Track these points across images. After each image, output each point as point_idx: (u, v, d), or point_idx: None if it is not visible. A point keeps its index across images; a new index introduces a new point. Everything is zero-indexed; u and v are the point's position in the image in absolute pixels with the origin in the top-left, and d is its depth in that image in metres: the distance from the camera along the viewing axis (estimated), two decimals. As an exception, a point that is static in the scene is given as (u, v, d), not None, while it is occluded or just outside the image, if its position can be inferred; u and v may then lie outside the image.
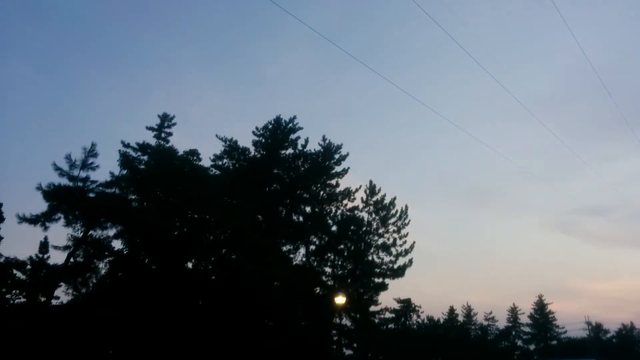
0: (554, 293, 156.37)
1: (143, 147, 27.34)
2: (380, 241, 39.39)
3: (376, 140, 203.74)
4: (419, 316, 61.53)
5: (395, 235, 39.55)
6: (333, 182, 39.58)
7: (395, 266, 38.56)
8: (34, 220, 23.39)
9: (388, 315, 43.72)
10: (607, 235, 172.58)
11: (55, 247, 24.66)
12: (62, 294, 24.41)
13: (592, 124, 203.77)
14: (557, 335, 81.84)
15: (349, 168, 39.88)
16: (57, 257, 53.34)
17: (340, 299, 29.66)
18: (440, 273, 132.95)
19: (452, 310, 75.10)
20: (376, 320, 41.47)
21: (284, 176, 38.46)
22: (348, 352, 42.30)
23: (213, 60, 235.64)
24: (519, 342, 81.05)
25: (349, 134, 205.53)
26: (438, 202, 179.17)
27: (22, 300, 23.70)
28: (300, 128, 39.20)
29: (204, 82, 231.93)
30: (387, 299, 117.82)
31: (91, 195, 24.95)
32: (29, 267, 24.28)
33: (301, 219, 38.46)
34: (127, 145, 27.20)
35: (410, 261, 38.57)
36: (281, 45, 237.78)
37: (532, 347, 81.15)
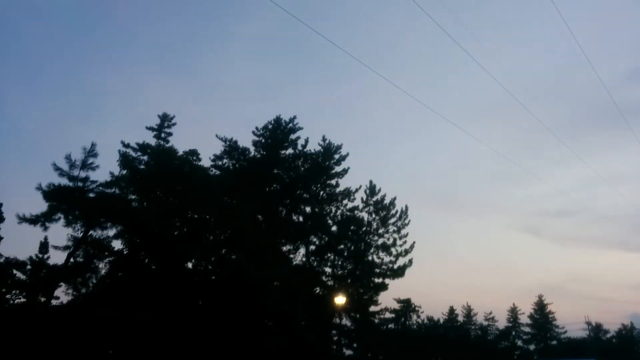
0: (533, 293, 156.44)
1: (143, 147, 27.34)
2: (380, 241, 39.45)
3: (376, 140, 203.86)
4: (419, 316, 61.52)
5: (395, 235, 39.59)
6: (333, 182, 39.61)
7: (395, 266, 38.57)
8: (34, 220, 23.39)
9: (388, 315, 43.74)
10: (575, 236, 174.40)
11: (55, 247, 24.70)
12: (62, 294, 24.45)
13: (547, 129, 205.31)
14: (557, 335, 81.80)
15: (349, 168, 39.94)
16: (57, 257, 53.42)
17: (340, 299, 29.64)
18: (429, 272, 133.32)
19: (452, 310, 75.09)
20: (376, 320, 41.48)
21: (284, 176, 38.44)
22: (348, 352, 42.32)
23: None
24: (519, 342, 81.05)
25: (349, 134, 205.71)
26: (421, 202, 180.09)
27: (22, 300, 23.71)
28: (300, 128, 39.26)
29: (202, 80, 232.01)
30: (387, 299, 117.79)
31: (91, 195, 24.96)
32: (29, 267, 24.30)
33: (301, 219, 38.45)
34: (127, 145, 27.23)
35: (410, 261, 38.61)
36: (283, 44, 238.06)
37: (532, 347, 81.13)
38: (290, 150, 39.25)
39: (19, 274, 24.10)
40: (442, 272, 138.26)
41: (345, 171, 39.68)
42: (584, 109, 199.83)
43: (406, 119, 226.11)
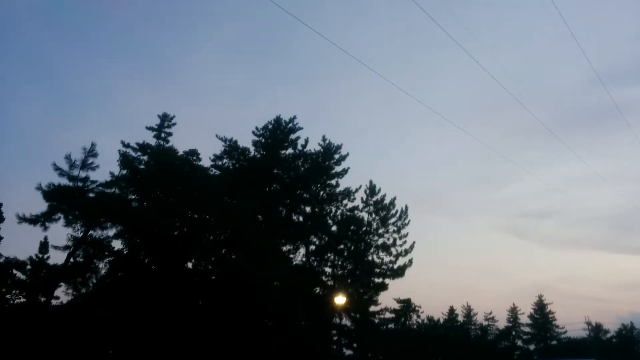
0: (524, 294, 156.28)
1: (143, 147, 27.34)
2: (380, 241, 39.44)
3: (376, 141, 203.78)
4: (419, 316, 61.31)
5: (395, 235, 39.58)
6: (333, 182, 39.62)
7: (395, 266, 38.57)
8: (34, 220, 23.39)
9: (388, 315, 43.66)
10: (559, 237, 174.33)
11: (55, 247, 24.72)
12: (62, 294, 24.47)
13: (527, 131, 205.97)
14: (557, 335, 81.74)
15: (349, 168, 39.95)
16: (57, 257, 53.29)
17: (340, 299, 29.64)
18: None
19: (452, 310, 75.02)
20: (376, 320, 41.43)
21: (284, 176, 38.43)
22: (348, 352, 42.29)
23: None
24: (519, 342, 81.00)
25: (349, 134, 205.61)
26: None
27: (22, 300, 23.69)
28: (300, 128, 39.29)
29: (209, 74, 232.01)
30: (387, 299, 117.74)
31: (91, 195, 24.96)
32: (29, 267, 24.30)
33: (301, 219, 38.45)
34: (127, 145, 27.22)
35: (410, 261, 38.60)
36: (283, 43, 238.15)
37: (532, 347, 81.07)
38: (290, 150, 39.29)
39: (19, 274, 24.13)
40: (433, 272, 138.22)
41: (345, 171, 39.73)
42: (566, 108, 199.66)
43: (398, 118, 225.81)
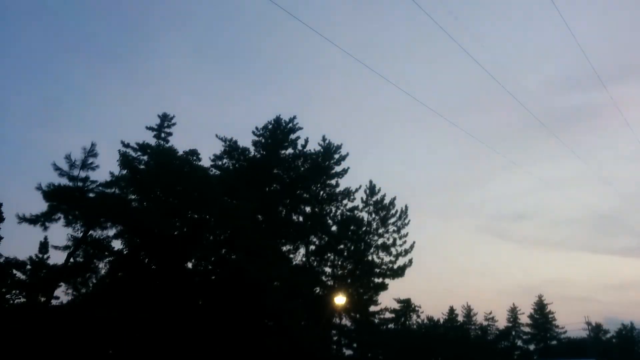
0: (514, 295, 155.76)
1: (143, 147, 27.33)
2: (380, 241, 39.45)
3: (377, 139, 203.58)
4: (419, 316, 61.27)
5: (395, 235, 39.60)
6: (333, 182, 39.63)
7: (395, 266, 38.57)
8: (34, 220, 23.39)
9: (388, 315, 43.56)
10: (541, 239, 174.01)
11: (55, 247, 24.71)
12: (62, 294, 24.46)
13: (507, 132, 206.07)
14: (557, 335, 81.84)
15: (349, 168, 39.95)
16: (57, 257, 53.34)
17: (340, 299, 29.63)
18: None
19: (452, 310, 75.09)
20: (376, 320, 41.40)
21: (284, 176, 38.42)
22: (348, 352, 42.27)
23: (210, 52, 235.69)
24: (519, 342, 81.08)
25: (349, 134, 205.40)
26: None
27: (22, 300, 23.69)
28: (300, 128, 39.27)
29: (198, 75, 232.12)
30: (387, 299, 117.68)
31: (91, 195, 24.95)
32: (29, 267, 24.30)
33: (301, 219, 38.45)
34: (127, 145, 27.21)
35: (410, 261, 38.60)
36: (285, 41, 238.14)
37: (532, 347, 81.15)
38: (290, 150, 39.28)
39: (19, 274, 24.11)
40: (428, 272, 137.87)
41: (345, 171, 39.73)
42: (548, 106, 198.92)
43: (380, 116, 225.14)
